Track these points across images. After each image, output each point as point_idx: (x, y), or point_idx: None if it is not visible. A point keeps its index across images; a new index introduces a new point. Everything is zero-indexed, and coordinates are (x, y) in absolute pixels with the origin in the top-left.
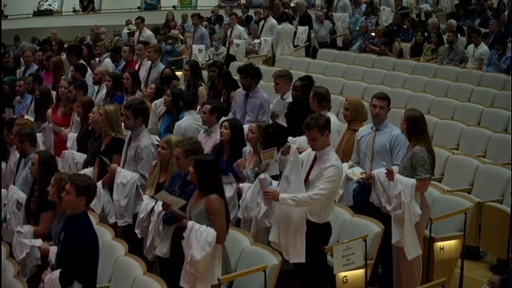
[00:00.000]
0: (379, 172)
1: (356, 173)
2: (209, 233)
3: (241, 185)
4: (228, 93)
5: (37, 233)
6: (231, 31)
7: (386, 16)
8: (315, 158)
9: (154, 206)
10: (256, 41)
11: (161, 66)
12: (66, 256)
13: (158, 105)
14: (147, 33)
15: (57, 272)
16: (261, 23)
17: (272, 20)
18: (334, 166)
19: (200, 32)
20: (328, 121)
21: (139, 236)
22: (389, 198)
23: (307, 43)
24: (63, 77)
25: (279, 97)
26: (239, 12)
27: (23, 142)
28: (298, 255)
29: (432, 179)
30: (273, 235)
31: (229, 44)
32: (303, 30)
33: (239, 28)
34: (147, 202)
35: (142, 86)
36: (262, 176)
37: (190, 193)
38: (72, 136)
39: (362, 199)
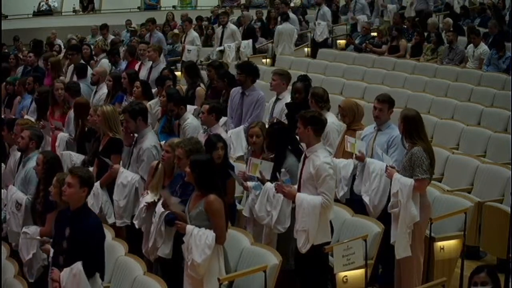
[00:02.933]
0: (372, 161)
1: (356, 146)
2: (208, 235)
3: (248, 183)
4: (228, 92)
5: (43, 233)
6: (185, 37)
7: (321, 30)
8: (305, 157)
9: (154, 203)
10: (218, 48)
11: (162, 66)
12: (82, 249)
13: (153, 106)
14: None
15: (78, 265)
16: (220, 29)
17: (231, 26)
18: (324, 163)
19: (157, 37)
20: (316, 118)
21: (137, 227)
22: (368, 190)
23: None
24: (58, 78)
25: (275, 98)
26: (238, 12)
27: (32, 140)
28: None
29: (432, 179)
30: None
31: (182, 50)
32: (246, 44)
33: (193, 34)
34: (149, 196)
35: None
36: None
37: (191, 193)
38: (61, 136)
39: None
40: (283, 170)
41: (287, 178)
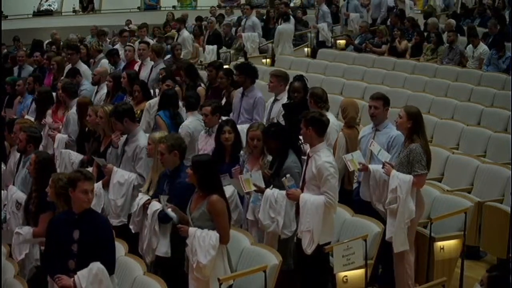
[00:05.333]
0: (376, 169)
1: (355, 161)
2: (212, 236)
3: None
4: (229, 92)
5: (36, 234)
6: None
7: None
8: (308, 157)
9: (145, 202)
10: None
11: (162, 66)
12: (97, 249)
13: (153, 105)
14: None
15: (97, 264)
16: (175, 36)
17: (185, 33)
18: (324, 162)
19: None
20: (316, 118)
21: (133, 231)
22: (381, 197)
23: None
24: (60, 79)
25: (273, 99)
26: (239, 12)
27: (29, 143)
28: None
29: (432, 179)
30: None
31: None
32: (210, 49)
33: (148, 41)
34: (140, 197)
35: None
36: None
37: (179, 186)
38: (59, 137)
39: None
40: (288, 175)
41: (292, 183)
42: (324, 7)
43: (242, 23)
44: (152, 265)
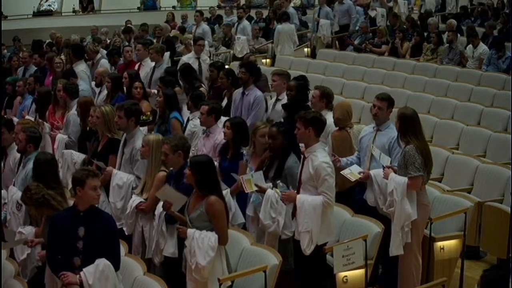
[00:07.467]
0: (377, 173)
1: (354, 173)
2: (211, 237)
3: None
4: (230, 93)
5: (38, 234)
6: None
7: (241, 46)
8: (304, 158)
9: (137, 205)
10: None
11: (165, 67)
12: (104, 245)
13: None
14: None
15: (103, 261)
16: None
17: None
18: (322, 162)
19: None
20: (317, 118)
21: (126, 233)
22: (385, 201)
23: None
24: (59, 79)
25: (274, 99)
26: (239, 12)
27: (29, 143)
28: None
29: (432, 179)
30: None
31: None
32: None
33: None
34: (133, 199)
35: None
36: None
37: (185, 186)
38: (60, 137)
39: (363, 198)
40: (278, 182)
41: (284, 188)
42: (291, 9)
43: (192, 31)
44: (161, 266)
